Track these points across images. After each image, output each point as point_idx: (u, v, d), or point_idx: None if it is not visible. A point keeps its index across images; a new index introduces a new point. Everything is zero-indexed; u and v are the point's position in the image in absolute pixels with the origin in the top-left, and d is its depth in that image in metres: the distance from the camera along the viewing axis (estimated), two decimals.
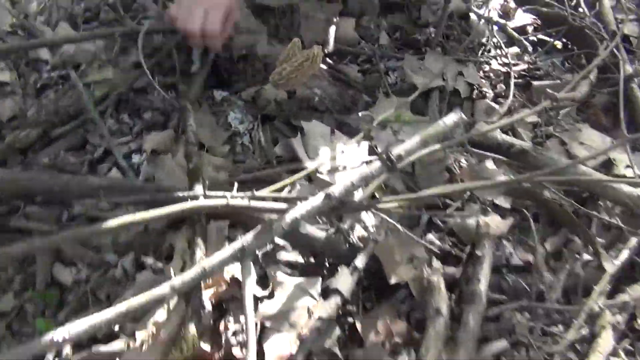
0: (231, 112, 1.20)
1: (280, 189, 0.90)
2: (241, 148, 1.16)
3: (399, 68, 1.39)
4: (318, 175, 1.04)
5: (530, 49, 1.51)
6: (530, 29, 1.62)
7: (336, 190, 0.82)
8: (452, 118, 0.89)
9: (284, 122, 1.21)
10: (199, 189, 0.93)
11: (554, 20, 1.54)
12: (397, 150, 0.85)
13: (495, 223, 0.98)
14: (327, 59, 1.32)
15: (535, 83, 1.42)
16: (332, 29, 1.37)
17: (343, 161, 1.08)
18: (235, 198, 0.85)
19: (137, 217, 0.78)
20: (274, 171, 1.08)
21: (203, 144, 1.09)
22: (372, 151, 1.12)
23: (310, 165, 1.05)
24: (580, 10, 1.53)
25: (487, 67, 1.48)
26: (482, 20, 1.55)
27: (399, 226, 0.90)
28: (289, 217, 0.80)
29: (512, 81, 1.37)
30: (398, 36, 1.52)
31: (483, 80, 1.42)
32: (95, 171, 1.06)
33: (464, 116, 0.89)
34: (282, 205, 0.86)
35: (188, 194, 0.90)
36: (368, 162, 1.07)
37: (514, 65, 1.46)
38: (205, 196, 0.88)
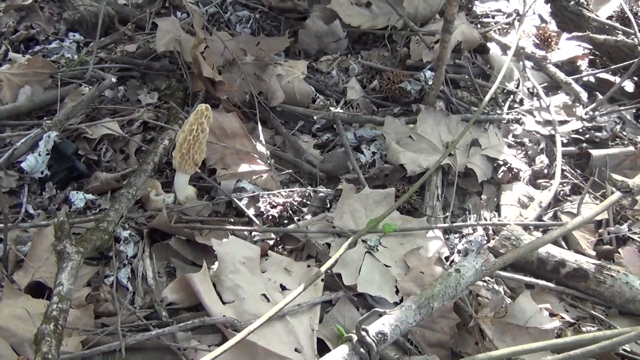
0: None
1: None
2: (109, 290, 0.87)
3: (378, 138, 1.07)
4: (234, 333, 0.74)
5: (585, 96, 1.17)
6: (583, 64, 1.27)
7: None
8: (470, 264, 0.77)
9: (186, 242, 0.91)
10: None
11: (618, 51, 1.22)
12: (379, 325, 0.67)
13: None
14: (264, 125, 1.08)
15: (595, 152, 1.13)
16: (273, 79, 1.08)
17: (282, 304, 0.80)
18: None
19: None
20: (157, 334, 0.77)
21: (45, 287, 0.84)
22: (332, 284, 0.84)
23: (220, 319, 0.80)
24: None
25: (518, 129, 1.13)
26: (509, 53, 1.20)
27: None
28: None
29: (559, 150, 1.07)
30: (376, 85, 1.17)
31: (513, 152, 1.10)
32: None
33: (492, 257, 0.79)
34: None
35: None
36: (328, 308, 0.82)
37: (562, 123, 1.13)
38: None
